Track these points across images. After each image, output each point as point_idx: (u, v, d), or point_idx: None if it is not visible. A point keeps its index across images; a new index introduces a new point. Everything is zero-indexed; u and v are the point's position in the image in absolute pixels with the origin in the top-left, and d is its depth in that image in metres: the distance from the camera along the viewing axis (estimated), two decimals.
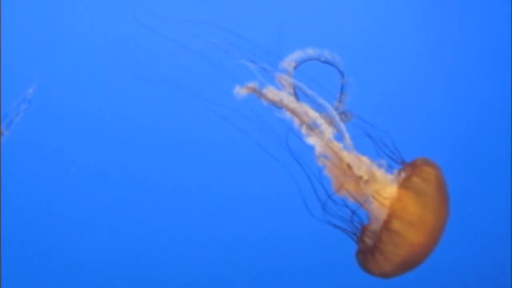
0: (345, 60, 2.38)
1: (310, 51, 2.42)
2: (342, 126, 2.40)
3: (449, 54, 3.92)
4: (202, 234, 3.88)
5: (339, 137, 2.40)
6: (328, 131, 2.39)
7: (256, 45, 2.38)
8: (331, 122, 2.40)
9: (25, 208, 3.77)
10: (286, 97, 2.40)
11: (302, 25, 3.73)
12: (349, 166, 2.38)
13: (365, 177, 2.37)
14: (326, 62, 2.41)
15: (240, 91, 2.38)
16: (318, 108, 2.41)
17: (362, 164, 2.38)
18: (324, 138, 2.38)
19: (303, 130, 2.40)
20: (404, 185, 2.34)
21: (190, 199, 3.86)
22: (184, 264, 3.89)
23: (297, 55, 2.42)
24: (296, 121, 2.40)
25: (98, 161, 3.79)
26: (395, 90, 3.87)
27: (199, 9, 3.67)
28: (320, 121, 2.39)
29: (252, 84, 2.38)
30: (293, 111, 2.39)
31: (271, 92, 2.40)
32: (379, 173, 2.40)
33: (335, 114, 2.41)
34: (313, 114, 2.40)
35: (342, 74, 2.38)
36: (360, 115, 2.42)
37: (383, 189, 2.37)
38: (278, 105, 2.40)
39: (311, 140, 2.40)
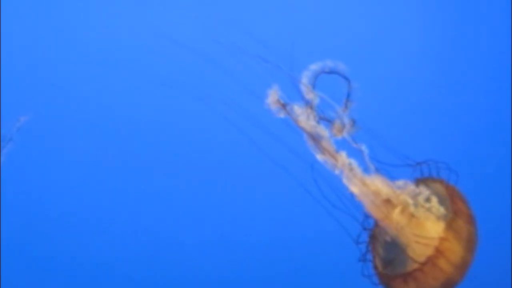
0: (351, 66, 2.39)
1: (314, 67, 2.44)
2: (362, 147, 2.38)
3: (453, 56, 3.95)
4: (209, 243, 3.87)
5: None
6: (359, 170, 2.38)
7: (270, 49, 2.39)
8: (342, 129, 2.39)
9: (25, 210, 3.76)
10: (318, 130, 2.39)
11: (309, 32, 3.75)
12: (388, 202, 2.37)
13: (404, 221, 2.36)
14: (331, 72, 2.42)
15: (273, 103, 2.37)
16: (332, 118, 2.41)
17: (401, 202, 2.36)
18: (356, 177, 2.37)
19: (336, 169, 2.39)
20: (450, 227, 2.34)
21: (196, 204, 3.86)
22: (185, 265, 3.88)
23: (305, 77, 2.43)
24: (329, 161, 2.39)
25: (99, 162, 3.82)
26: (399, 94, 3.89)
27: (208, 13, 3.70)
28: (351, 162, 2.37)
29: (290, 107, 2.38)
30: (326, 152, 2.37)
31: (306, 124, 2.39)
32: (420, 213, 2.38)
33: (348, 125, 2.39)
34: (345, 160, 2.38)
35: (348, 80, 2.38)
36: (368, 123, 2.42)
37: (425, 228, 2.37)
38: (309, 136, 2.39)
39: (345, 181, 2.39)
